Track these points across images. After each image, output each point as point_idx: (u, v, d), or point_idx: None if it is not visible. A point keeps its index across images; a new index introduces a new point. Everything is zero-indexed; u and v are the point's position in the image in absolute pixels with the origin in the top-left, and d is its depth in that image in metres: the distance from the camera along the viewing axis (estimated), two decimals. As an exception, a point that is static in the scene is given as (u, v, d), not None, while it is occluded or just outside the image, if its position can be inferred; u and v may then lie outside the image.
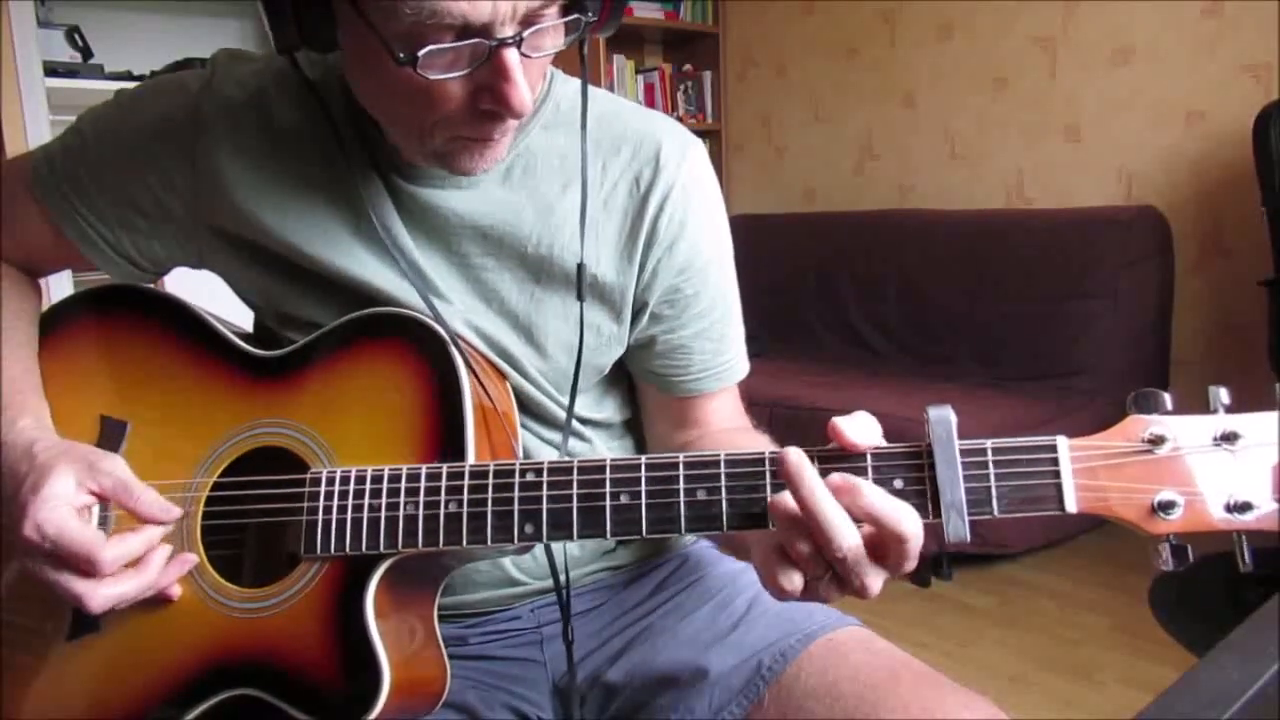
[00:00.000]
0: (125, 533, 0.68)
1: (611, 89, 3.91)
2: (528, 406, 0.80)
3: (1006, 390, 2.75)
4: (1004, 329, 2.91)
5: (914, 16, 3.43)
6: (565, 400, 0.80)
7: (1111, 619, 2.21)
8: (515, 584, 0.83)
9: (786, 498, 0.57)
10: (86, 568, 0.65)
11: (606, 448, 0.87)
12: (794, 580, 0.58)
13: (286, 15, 0.62)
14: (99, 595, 0.65)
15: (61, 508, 0.65)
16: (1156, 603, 2.26)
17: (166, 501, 0.70)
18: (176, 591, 0.71)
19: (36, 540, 0.64)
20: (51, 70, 2.45)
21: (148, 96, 0.79)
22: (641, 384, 0.87)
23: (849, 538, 0.55)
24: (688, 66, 4.18)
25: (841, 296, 3.37)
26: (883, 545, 0.57)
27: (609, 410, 0.87)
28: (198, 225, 0.78)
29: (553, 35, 0.63)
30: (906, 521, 0.55)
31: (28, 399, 0.75)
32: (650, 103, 4.04)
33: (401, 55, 0.59)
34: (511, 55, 0.60)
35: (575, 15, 0.63)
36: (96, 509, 0.70)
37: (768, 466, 0.60)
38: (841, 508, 0.56)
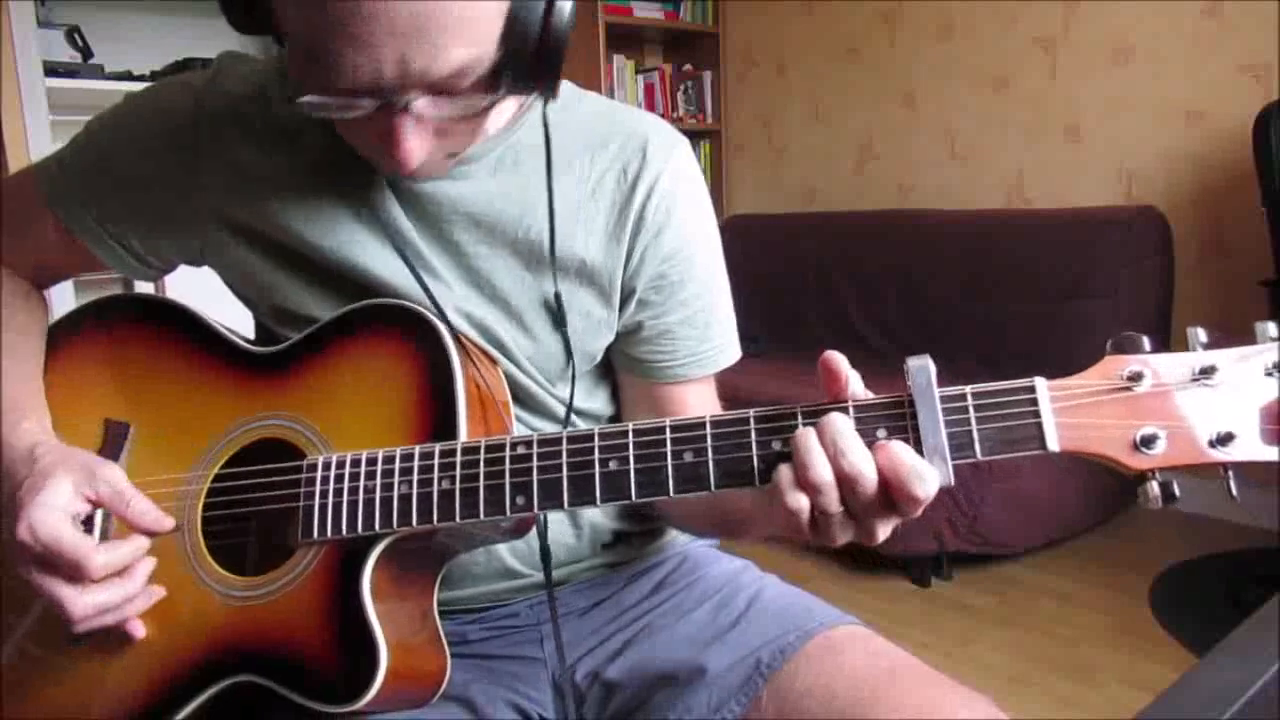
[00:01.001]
0: (116, 540, 0.69)
1: (611, 89, 3.91)
2: (518, 395, 0.80)
3: (1006, 390, 2.75)
4: (1004, 329, 2.91)
5: (914, 16, 3.43)
6: (554, 389, 0.82)
7: (1111, 619, 2.21)
8: (513, 576, 0.83)
9: (811, 437, 0.57)
10: (74, 573, 0.65)
11: None
12: (800, 502, 0.57)
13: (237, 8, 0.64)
14: (81, 602, 0.66)
15: (55, 513, 0.66)
16: (1156, 603, 2.26)
17: (161, 512, 0.71)
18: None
19: (29, 542, 0.65)
20: (51, 70, 2.45)
21: (153, 95, 0.81)
22: (623, 374, 0.88)
23: (868, 489, 0.56)
24: (688, 66, 4.19)
25: (841, 296, 3.37)
26: (895, 497, 0.57)
27: (599, 402, 0.88)
28: (200, 217, 0.79)
29: (467, 101, 0.62)
30: (928, 480, 0.55)
31: (31, 403, 0.76)
32: (650, 103, 4.04)
33: (289, 96, 0.60)
34: (399, 120, 0.61)
35: (490, 99, 0.62)
36: (100, 516, 0.71)
37: (753, 425, 0.61)
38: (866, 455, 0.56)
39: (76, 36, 2.60)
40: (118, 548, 0.68)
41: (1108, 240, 2.73)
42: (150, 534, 0.70)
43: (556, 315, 0.79)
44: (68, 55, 2.58)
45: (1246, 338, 0.55)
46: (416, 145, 0.62)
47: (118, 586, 0.68)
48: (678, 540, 0.93)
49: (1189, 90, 2.78)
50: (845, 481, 0.56)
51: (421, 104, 0.60)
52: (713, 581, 0.87)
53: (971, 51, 3.29)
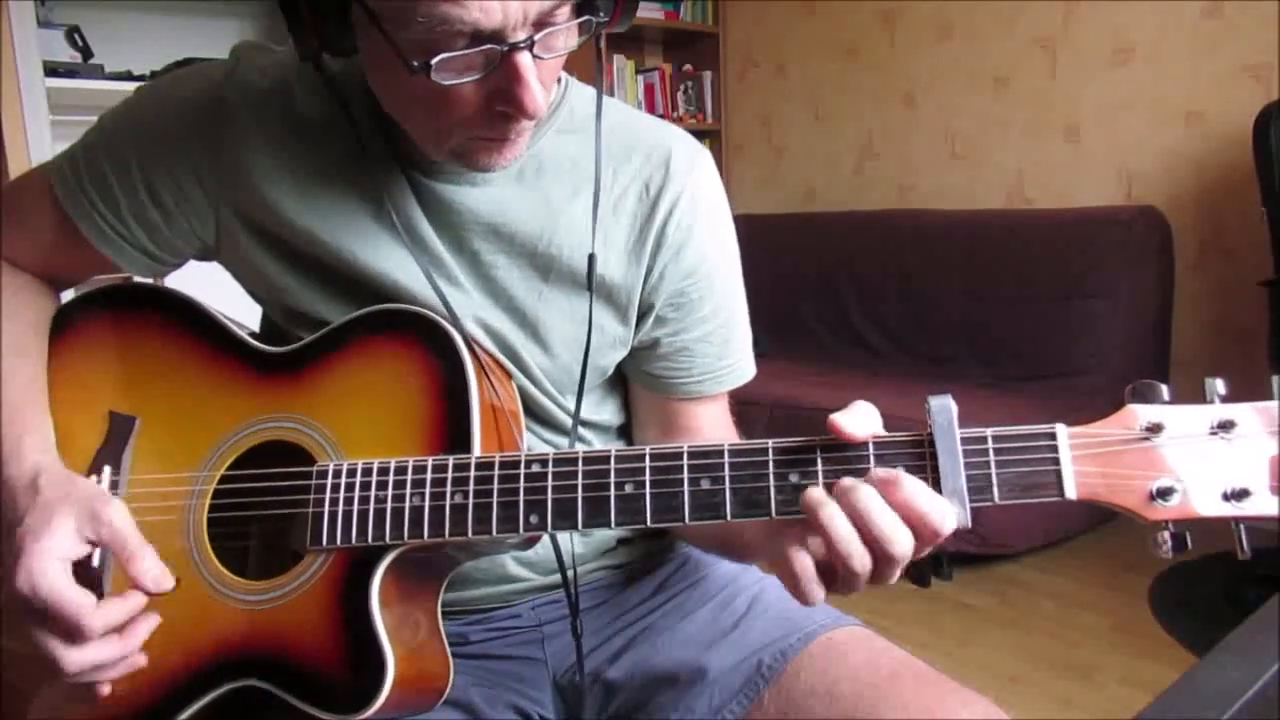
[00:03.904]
0: (113, 600, 0.66)
1: (612, 89, 3.91)
2: (530, 408, 0.80)
3: (1006, 390, 2.75)
4: (1004, 329, 2.91)
5: (914, 16, 3.43)
6: (567, 402, 0.81)
7: (1111, 619, 2.21)
8: (515, 580, 0.83)
9: (820, 495, 0.57)
10: (72, 633, 0.64)
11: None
12: (821, 583, 0.58)
13: (306, 24, 0.62)
14: (74, 661, 0.64)
15: (56, 563, 0.64)
16: (1156, 603, 2.26)
17: (163, 569, 0.68)
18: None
19: (27, 593, 0.63)
20: (51, 70, 2.44)
21: (169, 86, 0.79)
22: (636, 387, 0.87)
23: (902, 543, 0.56)
24: (688, 66, 4.18)
25: (841, 296, 3.37)
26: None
27: (608, 414, 0.87)
28: (217, 212, 0.78)
29: (565, 35, 0.64)
30: (948, 520, 0.56)
31: (32, 415, 0.74)
32: (650, 103, 4.04)
33: (415, 64, 0.59)
34: (524, 59, 0.60)
35: (587, 17, 0.63)
36: (99, 554, 0.69)
37: (771, 455, 0.61)
38: (891, 511, 0.56)
39: (76, 36, 2.60)
40: (114, 606, 0.65)
41: (1108, 240, 2.73)
42: (149, 594, 0.67)
43: (576, 329, 0.78)
44: (68, 55, 2.57)
45: (1263, 392, 0.56)
46: (539, 87, 0.62)
47: (115, 645, 0.66)
48: (679, 542, 0.93)
49: (1189, 90, 2.78)
50: (875, 544, 0.56)
51: (538, 43, 0.61)
52: (714, 582, 0.87)
53: (971, 51, 3.29)
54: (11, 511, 0.68)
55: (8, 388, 0.74)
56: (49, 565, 0.63)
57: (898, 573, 0.58)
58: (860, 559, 0.56)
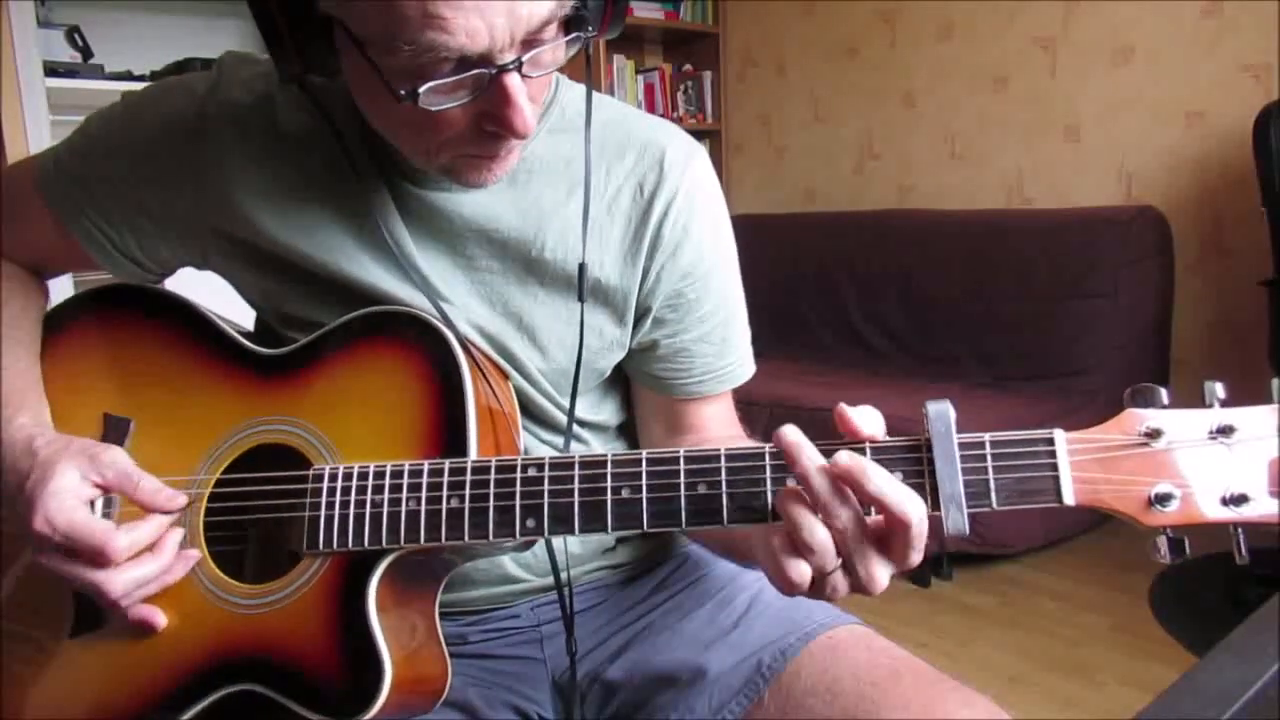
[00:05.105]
0: (135, 521, 0.69)
1: (611, 89, 3.91)
2: (528, 408, 0.80)
3: (1006, 390, 2.75)
4: (1004, 329, 2.91)
5: (914, 16, 3.42)
6: (565, 402, 0.80)
7: (1111, 619, 2.21)
8: (514, 581, 0.83)
9: (791, 485, 0.58)
10: (98, 558, 0.66)
11: (604, 450, 0.87)
12: (801, 571, 0.58)
13: (289, 47, 0.62)
14: (116, 581, 0.67)
15: (69, 500, 0.66)
16: (1156, 603, 2.26)
17: (170, 489, 0.71)
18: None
19: (48, 533, 0.66)
20: (51, 70, 2.44)
21: (154, 99, 0.79)
22: (638, 387, 0.87)
23: (846, 511, 0.56)
24: (688, 66, 4.18)
25: (841, 296, 3.37)
26: (888, 533, 0.57)
27: (607, 413, 0.87)
28: (202, 228, 0.78)
29: (553, 52, 0.63)
30: (910, 505, 0.55)
31: (26, 397, 0.75)
32: (650, 103, 4.04)
33: (402, 92, 0.59)
34: (513, 80, 0.60)
35: (576, 34, 0.63)
36: (100, 501, 0.71)
37: (768, 460, 0.60)
38: (836, 485, 0.57)
39: (76, 36, 2.60)
40: (137, 528, 0.68)
41: (1108, 240, 2.73)
42: (163, 512, 0.70)
43: (573, 333, 0.78)
44: (68, 55, 2.57)
45: (1262, 392, 0.55)
46: (529, 106, 0.62)
47: (151, 561, 0.68)
48: (679, 541, 0.93)
49: (1189, 90, 2.78)
50: (823, 510, 0.57)
51: (527, 63, 0.60)
52: (713, 581, 0.87)
53: (971, 51, 3.29)
54: (13, 475, 0.69)
55: (5, 373, 0.75)
56: (63, 502, 0.66)
57: (875, 569, 0.58)
58: (809, 529, 0.57)
